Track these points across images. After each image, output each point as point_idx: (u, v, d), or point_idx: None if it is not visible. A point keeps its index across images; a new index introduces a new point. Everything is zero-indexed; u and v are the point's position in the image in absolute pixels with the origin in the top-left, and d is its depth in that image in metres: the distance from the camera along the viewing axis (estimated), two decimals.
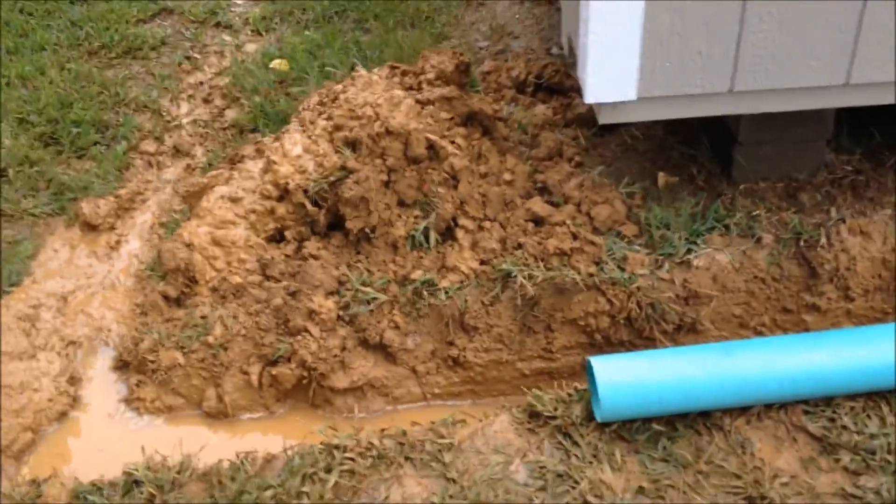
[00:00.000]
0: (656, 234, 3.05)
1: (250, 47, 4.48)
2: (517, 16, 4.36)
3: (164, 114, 4.07)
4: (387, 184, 3.04)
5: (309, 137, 3.15)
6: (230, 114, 4.07)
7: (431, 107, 3.15)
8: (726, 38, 2.64)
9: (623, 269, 2.96)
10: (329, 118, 3.15)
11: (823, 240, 3.00)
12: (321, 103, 3.38)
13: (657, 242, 3.04)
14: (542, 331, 3.02)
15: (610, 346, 3.03)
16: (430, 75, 3.28)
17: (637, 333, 3.00)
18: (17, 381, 2.91)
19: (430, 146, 3.05)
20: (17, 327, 3.08)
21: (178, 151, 3.91)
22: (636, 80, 2.69)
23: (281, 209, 3.11)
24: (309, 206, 3.07)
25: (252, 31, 4.58)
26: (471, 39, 4.23)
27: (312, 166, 3.07)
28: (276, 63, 4.25)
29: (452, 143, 3.09)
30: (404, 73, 3.42)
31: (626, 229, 3.07)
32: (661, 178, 3.24)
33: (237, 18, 4.67)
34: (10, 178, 3.64)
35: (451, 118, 3.17)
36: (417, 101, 3.14)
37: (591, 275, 2.94)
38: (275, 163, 3.12)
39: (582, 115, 3.54)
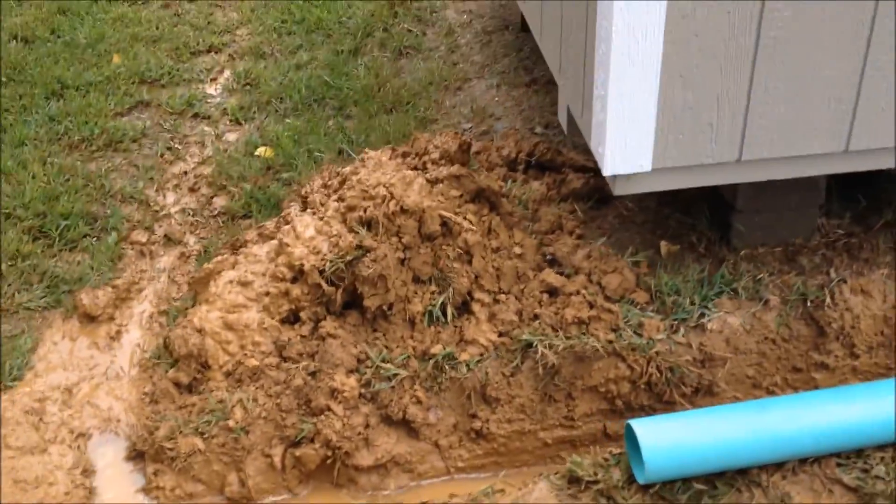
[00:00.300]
0: (668, 300, 3.12)
1: (231, 136, 4.49)
2: (496, 98, 4.48)
3: (152, 204, 4.04)
4: (402, 261, 3.07)
5: (320, 219, 3.17)
6: (219, 201, 4.06)
7: (441, 185, 3.21)
8: (735, 110, 2.77)
9: (640, 335, 3.01)
10: (340, 199, 3.18)
11: (829, 299, 3.11)
12: (325, 185, 3.41)
13: (669, 308, 3.11)
14: (563, 399, 3.04)
15: (630, 411, 3.06)
16: (435, 155, 3.36)
17: (657, 398, 3.04)
18: (32, 476, 2.82)
19: (444, 223, 3.09)
20: (25, 421, 2.99)
21: (169, 240, 3.88)
22: (651, 152, 2.78)
23: (296, 290, 3.10)
24: (325, 286, 3.07)
25: (231, 120, 4.60)
26: (454, 122, 4.33)
27: (327, 247, 3.08)
28: (261, 150, 4.28)
29: (465, 219, 3.14)
30: (405, 155, 3.48)
31: (637, 297, 3.14)
32: (664, 246, 3.33)
33: (214, 109, 4.69)
34: (3, 273, 3.56)
35: (461, 195, 3.22)
36: (427, 181, 3.19)
37: (610, 341, 2.98)
38: (288, 245, 3.13)
39: (576, 190, 3.62)
